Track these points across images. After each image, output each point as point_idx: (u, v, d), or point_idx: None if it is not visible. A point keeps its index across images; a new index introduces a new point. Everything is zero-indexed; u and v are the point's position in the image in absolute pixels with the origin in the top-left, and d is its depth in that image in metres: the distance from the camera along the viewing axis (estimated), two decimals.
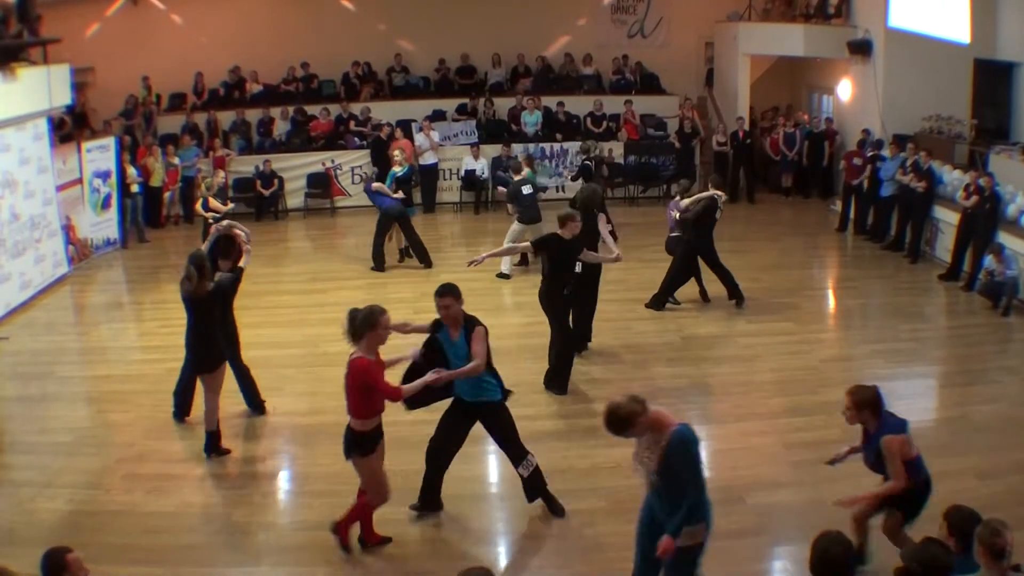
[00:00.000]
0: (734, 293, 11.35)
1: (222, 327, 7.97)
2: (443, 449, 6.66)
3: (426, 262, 13.27)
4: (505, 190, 13.78)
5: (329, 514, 6.73)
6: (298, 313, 11.47)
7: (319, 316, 11.31)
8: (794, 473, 7.20)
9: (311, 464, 7.62)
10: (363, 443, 6.14)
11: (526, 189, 12.68)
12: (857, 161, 15.03)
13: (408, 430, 8.09)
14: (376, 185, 13.19)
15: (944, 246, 13.11)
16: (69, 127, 15.44)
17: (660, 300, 11.24)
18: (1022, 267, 11.28)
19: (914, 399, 8.87)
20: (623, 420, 4.74)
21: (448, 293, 6.40)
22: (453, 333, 6.43)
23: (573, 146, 17.44)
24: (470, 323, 6.40)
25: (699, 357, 9.86)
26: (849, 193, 15.36)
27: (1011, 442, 7.70)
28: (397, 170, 13.44)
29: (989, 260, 11.41)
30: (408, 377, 6.35)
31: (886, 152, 14.57)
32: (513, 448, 6.66)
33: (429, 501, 6.72)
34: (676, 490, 4.75)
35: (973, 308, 11.55)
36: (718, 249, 11.36)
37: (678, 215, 11.10)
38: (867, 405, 5.48)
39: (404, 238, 13.37)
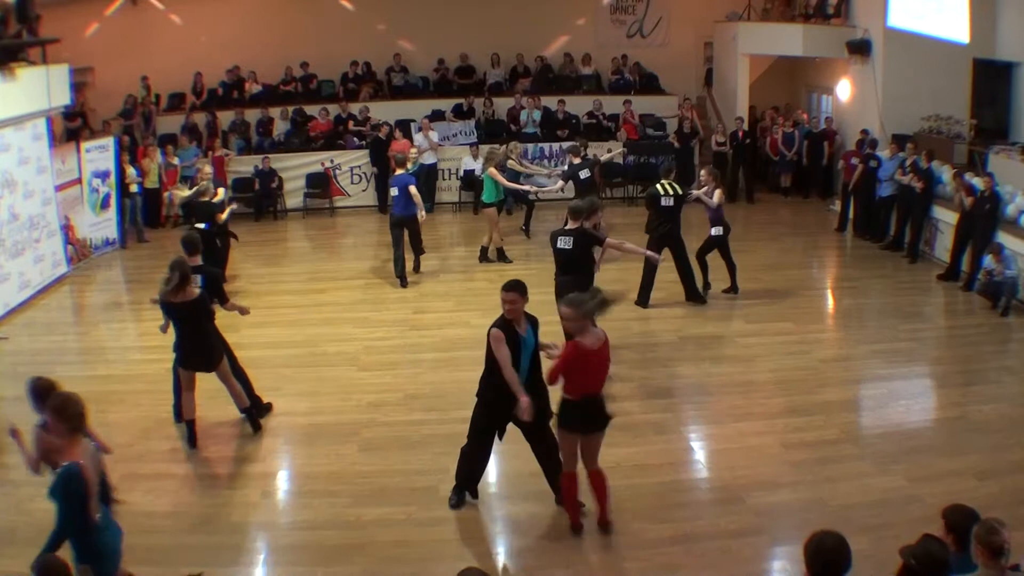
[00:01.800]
0: (691, 293, 11.45)
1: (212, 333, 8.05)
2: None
3: (401, 278, 12.58)
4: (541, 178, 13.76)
5: (329, 514, 6.75)
6: (297, 313, 11.48)
7: (318, 316, 11.33)
8: (793, 473, 7.20)
9: (310, 464, 7.62)
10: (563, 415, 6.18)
11: (583, 173, 12.72)
12: (855, 161, 15.07)
13: (408, 430, 8.13)
14: (415, 193, 12.49)
15: (943, 246, 13.11)
16: (79, 123, 15.51)
17: (695, 293, 11.48)
18: (1021, 267, 11.29)
19: (913, 399, 8.88)
20: (38, 390, 5.26)
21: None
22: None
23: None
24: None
25: (698, 357, 9.85)
26: (848, 193, 15.37)
27: (1010, 442, 7.70)
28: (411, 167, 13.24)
29: (988, 260, 11.41)
30: None
31: (883, 152, 14.59)
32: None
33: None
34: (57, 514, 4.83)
35: (972, 308, 11.56)
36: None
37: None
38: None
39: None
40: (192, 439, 7.91)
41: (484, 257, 13.50)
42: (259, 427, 8.15)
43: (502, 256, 13.48)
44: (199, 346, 7.85)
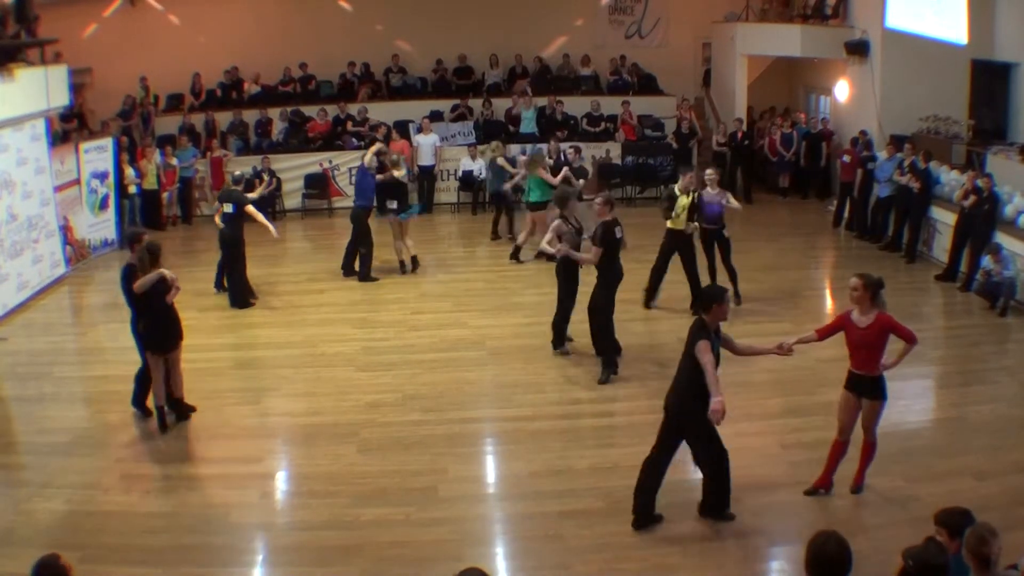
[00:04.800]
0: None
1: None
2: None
3: (345, 269, 12.93)
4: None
5: (327, 515, 6.75)
6: (296, 313, 11.47)
7: (317, 316, 11.33)
8: (791, 473, 7.20)
9: (308, 465, 7.62)
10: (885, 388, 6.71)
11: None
12: (847, 159, 15.17)
13: (407, 430, 8.14)
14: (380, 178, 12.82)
15: (941, 246, 13.12)
16: (75, 124, 15.52)
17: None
18: (1019, 267, 11.30)
19: (912, 400, 8.87)
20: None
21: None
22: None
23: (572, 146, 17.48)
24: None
25: None
26: (844, 191, 15.49)
27: (1008, 442, 7.71)
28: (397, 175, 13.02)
29: (987, 260, 11.42)
30: None
31: (880, 153, 14.61)
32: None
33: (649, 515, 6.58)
34: None
35: (970, 308, 11.56)
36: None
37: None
38: None
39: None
40: (163, 425, 8.18)
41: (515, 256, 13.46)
42: (166, 428, 8.22)
43: (516, 255, 13.49)
44: (172, 323, 8.21)
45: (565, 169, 13.77)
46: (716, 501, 6.60)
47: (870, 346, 6.63)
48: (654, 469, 6.49)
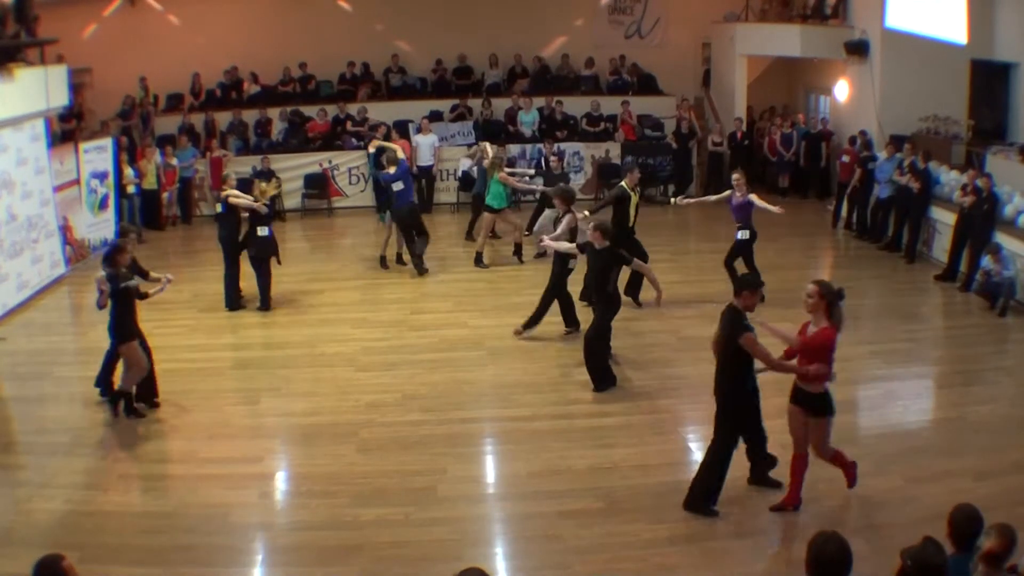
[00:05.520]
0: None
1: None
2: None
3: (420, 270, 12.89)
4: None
5: (326, 515, 6.75)
6: (295, 314, 11.48)
7: (316, 316, 11.33)
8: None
9: (308, 465, 7.62)
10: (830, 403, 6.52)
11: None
12: (846, 159, 15.19)
13: (407, 430, 8.14)
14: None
15: (941, 247, 13.12)
16: (75, 124, 15.53)
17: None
18: (1019, 267, 11.30)
19: (911, 400, 8.88)
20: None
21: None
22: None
23: (572, 147, 17.50)
24: None
25: (696, 358, 9.79)
26: (842, 190, 15.53)
27: (1008, 442, 7.71)
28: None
29: (986, 260, 11.41)
30: None
31: (880, 153, 14.62)
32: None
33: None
34: None
35: (970, 308, 11.55)
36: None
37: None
38: None
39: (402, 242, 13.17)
40: (116, 411, 8.43)
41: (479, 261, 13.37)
42: (116, 414, 8.43)
43: (518, 252, 13.49)
44: (126, 319, 8.30)
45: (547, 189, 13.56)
46: (701, 494, 6.64)
47: (810, 359, 6.44)
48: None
